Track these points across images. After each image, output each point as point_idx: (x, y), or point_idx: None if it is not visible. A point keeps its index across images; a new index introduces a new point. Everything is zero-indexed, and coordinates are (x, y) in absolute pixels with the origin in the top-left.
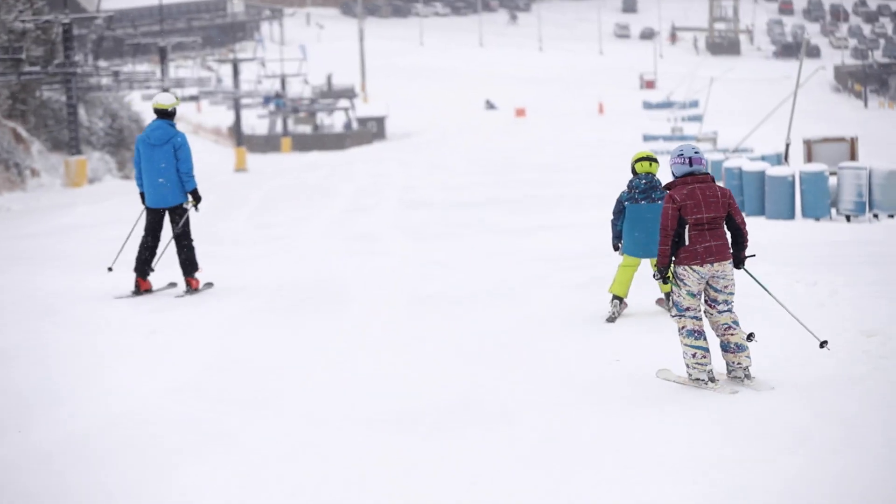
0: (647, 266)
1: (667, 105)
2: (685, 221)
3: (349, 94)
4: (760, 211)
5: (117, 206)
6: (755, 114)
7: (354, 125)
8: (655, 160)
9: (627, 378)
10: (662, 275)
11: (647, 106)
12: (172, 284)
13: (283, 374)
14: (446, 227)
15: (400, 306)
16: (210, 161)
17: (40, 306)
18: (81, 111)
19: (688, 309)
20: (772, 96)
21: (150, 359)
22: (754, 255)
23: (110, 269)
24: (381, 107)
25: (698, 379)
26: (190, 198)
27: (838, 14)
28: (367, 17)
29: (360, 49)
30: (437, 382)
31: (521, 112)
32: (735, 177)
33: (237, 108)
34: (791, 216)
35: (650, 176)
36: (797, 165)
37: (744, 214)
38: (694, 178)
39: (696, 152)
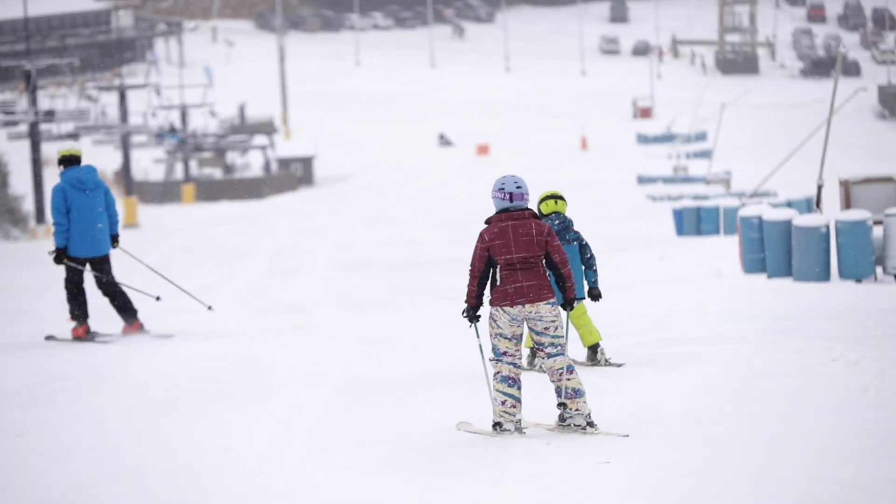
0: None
1: (667, 138)
2: (495, 262)
3: (267, 128)
4: (786, 271)
5: None
6: (778, 148)
7: (274, 167)
8: (561, 197)
9: (620, 492)
10: (469, 315)
11: (643, 139)
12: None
13: (179, 488)
14: (391, 293)
15: (331, 397)
16: None
17: None
18: None
19: (505, 353)
20: (799, 126)
21: (14, 471)
22: (582, 299)
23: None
24: (308, 144)
25: (505, 429)
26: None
27: (882, 21)
28: (288, 32)
29: (280, 71)
30: (378, 499)
31: (483, 149)
32: (754, 228)
33: (125, 147)
34: (826, 277)
35: (560, 215)
36: (832, 213)
37: (768, 273)
38: (509, 214)
39: (518, 187)
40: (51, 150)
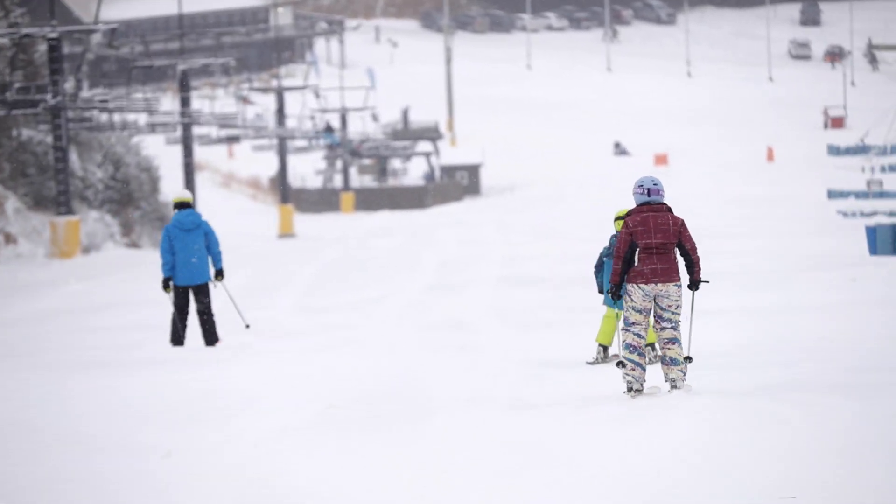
0: None
1: (861, 150)
2: (636, 246)
3: (432, 134)
4: None
5: (122, 282)
6: None
7: (438, 175)
8: None
9: None
10: (613, 292)
11: (834, 151)
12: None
13: None
14: (562, 312)
15: (497, 424)
16: (245, 223)
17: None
18: (73, 156)
19: (633, 324)
20: None
21: (162, 492)
22: (708, 282)
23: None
24: (475, 151)
25: (633, 390)
26: (214, 276)
27: None
28: (456, 32)
29: (446, 74)
30: None
31: (661, 159)
32: None
33: (282, 152)
34: None
35: None
36: None
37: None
38: (649, 206)
39: (654, 184)
40: (204, 155)
